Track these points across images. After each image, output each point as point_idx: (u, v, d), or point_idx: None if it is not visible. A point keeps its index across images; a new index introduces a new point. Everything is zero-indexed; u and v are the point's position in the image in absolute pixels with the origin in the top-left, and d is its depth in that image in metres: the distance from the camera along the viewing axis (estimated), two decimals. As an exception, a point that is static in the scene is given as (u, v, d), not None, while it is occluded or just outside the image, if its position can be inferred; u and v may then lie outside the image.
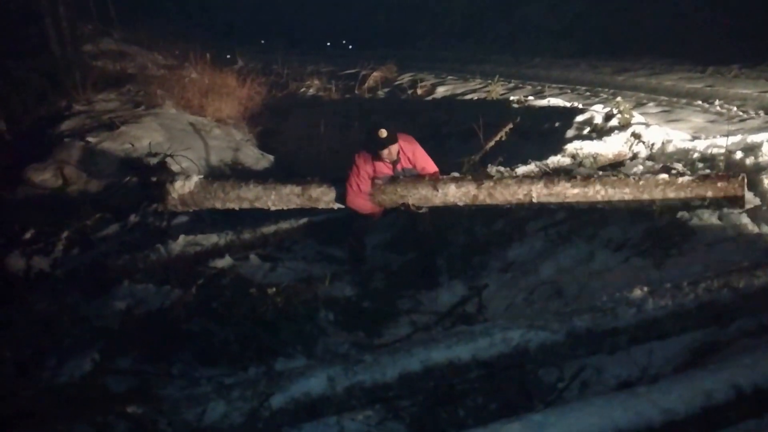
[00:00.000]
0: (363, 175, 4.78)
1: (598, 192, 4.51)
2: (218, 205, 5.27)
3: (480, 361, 2.76)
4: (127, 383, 2.94)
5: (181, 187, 5.22)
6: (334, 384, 2.65)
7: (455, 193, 4.77)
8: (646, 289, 3.00)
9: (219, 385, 2.84)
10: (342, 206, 5.06)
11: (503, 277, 4.60)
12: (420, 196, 4.80)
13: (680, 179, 4.39)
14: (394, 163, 4.81)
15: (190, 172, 5.45)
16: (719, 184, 4.27)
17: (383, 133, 4.53)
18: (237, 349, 3.58)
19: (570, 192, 4.57)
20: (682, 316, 2.91)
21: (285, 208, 5.22)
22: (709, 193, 4.29)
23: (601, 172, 4.63)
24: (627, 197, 4.45)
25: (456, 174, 5.02)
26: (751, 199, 4.29)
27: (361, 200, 4.84)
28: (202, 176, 5.37)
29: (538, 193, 4.63)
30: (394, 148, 4.69)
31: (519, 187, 4.68)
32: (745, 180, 4.29)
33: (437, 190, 4.77)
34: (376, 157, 4.73)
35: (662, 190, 4.37)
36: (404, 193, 4.80)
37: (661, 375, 2.80)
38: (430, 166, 4.96)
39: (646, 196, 4.42)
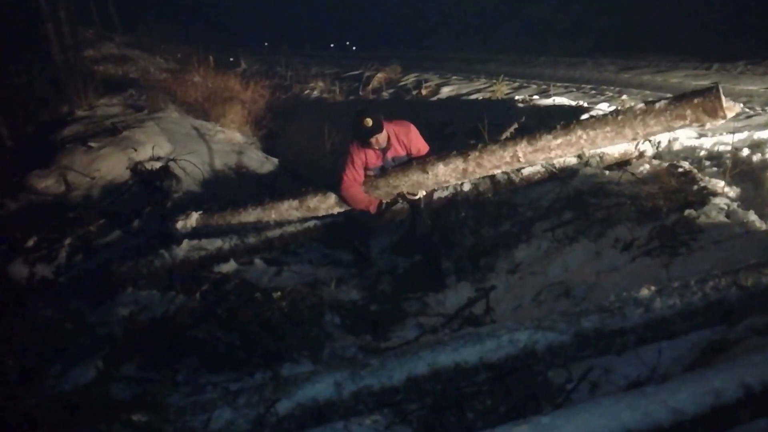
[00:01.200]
0: (357, 164, 4.77)
1: (580, 137, 4.53)
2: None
3: (488, 363, 2.74)
4: (131, 390, 2.92)
5: (183, 227, 5.33)
6: (341, 389, 2.63)
7: (445, 171, 4.80)
8: (654, 288, 2.97)
9: (225, 392, 2.82)
10: (342, 209, 5.06)
11: (510, 278, 4.58)
12: (412, 182, 4.83)
13: (657, 104, 4.35)
14: (384, 150, 4.79)
15: (189, 210, 5.55)
16: (695, 100, 4.22)
17: (368, 122, 4.52)
18: (242, 354, 3.56)
19: (553, 143, 4.59)
20: (690, 315, 2.89)
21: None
22: (689, 112, 4.25)
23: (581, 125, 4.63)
24: (609, 135, 4.47)
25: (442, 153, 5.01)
26: (731, 107, 4.22)
27: (356, 190, 4.84)
28: (201, 212, 5.45)
29: (524, 152, 4.65)
30: (382, 136, 4.65)
31: (504, 150, 4.71)
32: (720, 88, 4.23)
33: (427, 173, 4.78)
34: (366, 144, 4.71)
35: (642, 121, 4.34)
36: (396, 183, 4.83)
37: (670, 375, 2.77)
38: (424, 147, 4.94)
39: (628, 131, 4.42)
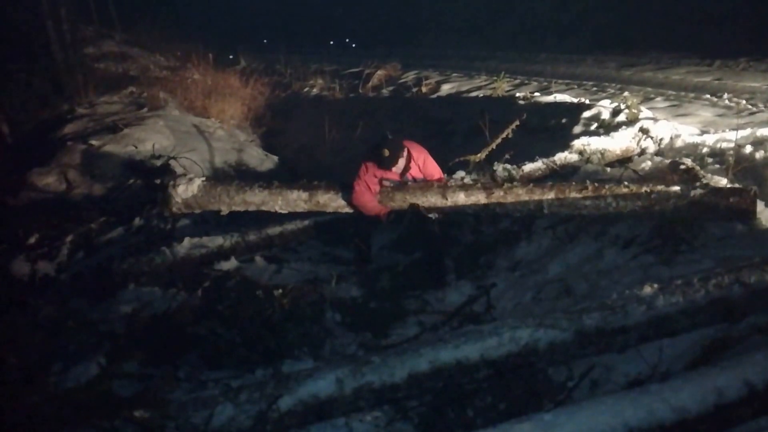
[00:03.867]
0: (370, 176, 4.84)
1: (609, 204, 4.39)
2: (224, 208, 5.26)
3: (489, 360, 2.74)
4: (133, 387, 2.92)
5: (184, 191, 5.21)
6: (342, 385, 2.64)
7: (464, 200, 4.76)
8: (656, 286, 2.97)
9: (226, 388, 2.82)
10: (351, 211, 5.06)
11: (511, 275, 4.57)
12: (429, 203, 4.82)
13: (692, 193, 4.21)
14: (403, 172, 4.89)
15: (193, 174, 5.38)
16: (731, 199, 4.12)
17: (386, 153, 4.63)
18: (244, 351, 3.56)
19: (581, 204, 4.47)
20: (692, 313, 2.89)
21: (292, 211, 5.23)
22: (722, 207, 4.13)
23: (611, 184, 4.51)
24: (638, 209, 4.33)
25: (465, 179, 5.04)
26: (762, 210, 4.16)
27: (368, 197, 4.86)
28: (204, 179, 5.35)
29: (548, 204, 4.54)
30: (402, 161, 4.77)
31: (529, 197, 4.60)
32: (757, 194, 4.15)
33: (446, 199, 4.78)
34: (384, 168, 4.80)
35: (674, 204, 4.25)
36: (413, 200, 4.84)
37: (672, 373, 2.77)
38: (438, 173, 5.04)
39: (657, 207, 4.29)
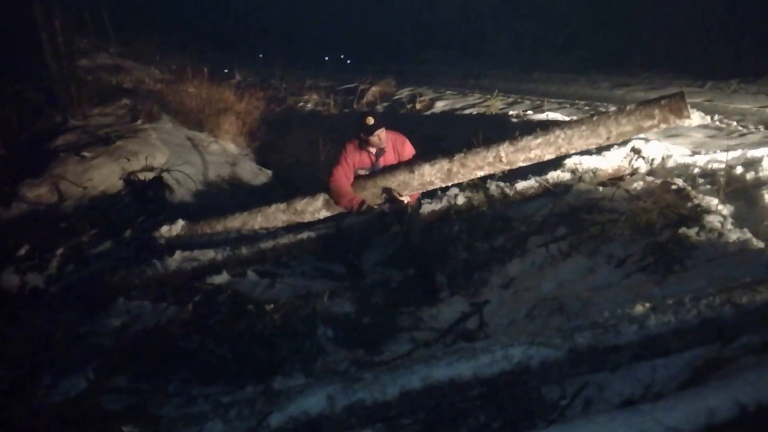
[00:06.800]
0: (349, 162, 4.96)
1: (558, 136, 4.91)
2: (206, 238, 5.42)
3: (481, 378, 2.73)
4: (122, 402, 2.88)
5: (167, 232, 5.39)
6: (334, 403, 2.61)
7: (431, 171, 5.04)
8: (648, 305, 2.97)
9: (216, 404, 2.79)
10: (329, 214, 5.16)
11: (504, 293, 4.57)
12: (399, 182, 4.98)
13: (628, 107, 4.89)
14: (378, 155, 4.98)
15: (175, 216, 5.62)
16: (663, 101, 4.74)
17: (371, 120, 4.76)
18: (234, 367, 3.54)
19: (533, 143, 4.95)
20: (684, 333, 2.89)
21: (272, 227, 5.37)
22: (656, 112, 4.73)
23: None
24: (585, 134, 4.86)
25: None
26: (693, 112, 4.83)
27: (343, 183, 4.96)
28: (185, 222, 5.48)
29: (506, 152, 4.98)
30: (382, 134, 4.86)
31: (487, 151, 5.01)
32: (684, 93, 4.81)
33: (413, 173, 4.99)
34: (364, 144, 4.91)
35: (615, 120, 4.80)
36: (384, 183, 4.99)
37: (665, 392, 2.77)
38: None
39: (602, 129, 4.83)
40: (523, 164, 5.14)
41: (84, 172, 7.28)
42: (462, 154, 5.05)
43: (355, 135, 4.93)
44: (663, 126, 4.90)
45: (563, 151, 5.00)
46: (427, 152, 5.86)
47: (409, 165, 5.01)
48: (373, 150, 4.95)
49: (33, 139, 8.88)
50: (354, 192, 4.98)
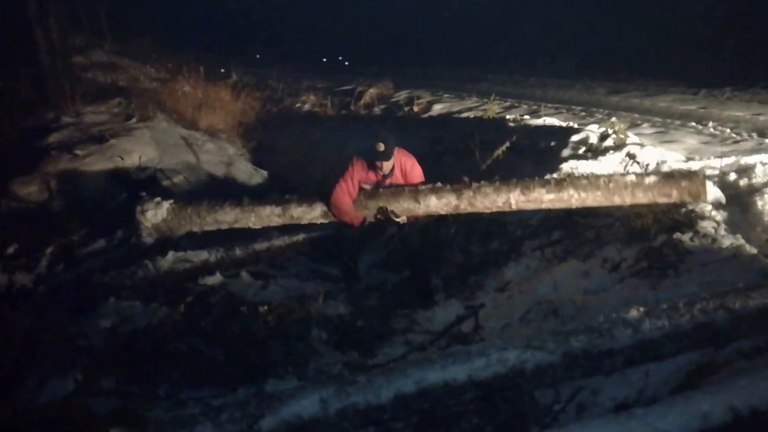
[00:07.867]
0: (354, 178, 4.84)
1: (572, 196, 4.67)
2: (195, 229, 5.23)
3: (476, 381, 2.71)
4: (111, 404, 2.83)
5: (153, 216, 5.16)
6: (327, 406, 2.59)
7: (436, 203, 4.85)
8: (642, 309, 2.99)
9: (207, 407, 2.75)
10: (326, 221, 5.04)
11: (499, 296, 4.56)
12: (402, 209, 4.84)
13: (647, 180, 4.60)
14: (386, 176, 4.88)
15: (159, 198, 5.32)
16: (682, 183, 4.54)
17: (380, 147, 4.62)
18: (226, 369, 3.49)
19: (546, 197, 4.71)
20: (678, 337, 2.90)
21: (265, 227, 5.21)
22: (674, 192, 4.54)
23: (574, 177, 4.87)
24: (599, 200, 4.66)
25: (438, 183, 5.01)
26: (713, 191, 4.58)
27: (347, 201, 4.85)
28: (173, 202, 5.26)
29: (516, 200, 4.76)
30: (387, 164, 4.78)
31: (497, 195, 4.78)
32: (705, 176, 4.63)
33: (419, 202, 4.83)
34: (371, 165, 4.82)
35: (631, 192, 4.58)
36: (386, 206, 4.85)
37: (658, 397, 2.75)
38: (421, 180, 5.00)
39: (616, 199, 4.63)
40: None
41: (76, 170, 7.22)
42: (471, 193, 4.81)
43: (364, 154, 4.84)
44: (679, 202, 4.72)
45: (574, 207, 4.82)
46: (424, 155, 5.86)
47: (415, 192, 4.83)
48: (380, 170, 4.85)
49: (24, 136, 8.78)
50: (355, 210, 4.88)
